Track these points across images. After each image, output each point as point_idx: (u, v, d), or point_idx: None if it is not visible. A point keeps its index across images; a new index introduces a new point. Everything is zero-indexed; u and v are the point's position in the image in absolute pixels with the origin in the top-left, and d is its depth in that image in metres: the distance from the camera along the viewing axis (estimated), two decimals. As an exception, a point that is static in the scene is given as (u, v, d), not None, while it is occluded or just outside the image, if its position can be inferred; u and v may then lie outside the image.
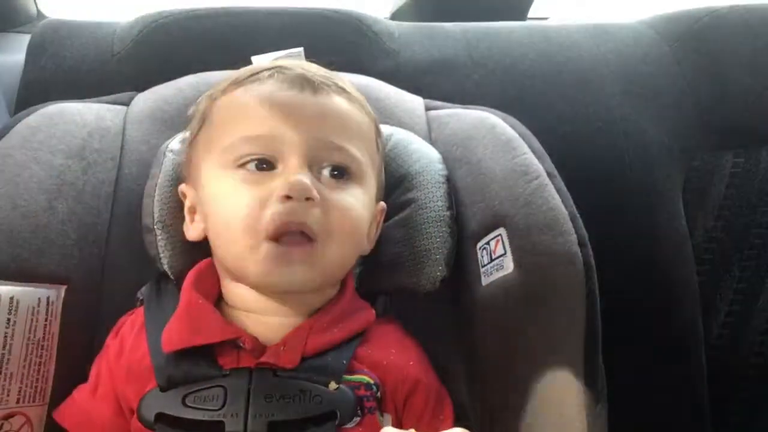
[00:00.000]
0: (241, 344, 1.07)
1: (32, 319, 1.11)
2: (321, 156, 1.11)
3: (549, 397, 1.06)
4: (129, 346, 1.13)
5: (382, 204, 1.24)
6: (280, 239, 1.06)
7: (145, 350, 1.10)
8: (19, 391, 1.11)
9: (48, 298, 1.14)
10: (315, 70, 1.19)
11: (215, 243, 1.14)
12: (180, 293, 1.15)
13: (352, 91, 1.21)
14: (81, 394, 1.14)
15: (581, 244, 1.13)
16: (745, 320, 1.54)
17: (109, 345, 1.16)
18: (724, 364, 1.54)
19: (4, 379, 1.09)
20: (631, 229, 1.52)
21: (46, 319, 1.13)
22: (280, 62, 1.22)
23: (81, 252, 1.20)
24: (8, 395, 1.09)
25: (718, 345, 1.55)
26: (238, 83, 1.18)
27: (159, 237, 1.19)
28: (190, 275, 1.16)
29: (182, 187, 1.20)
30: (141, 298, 1.21)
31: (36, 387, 1.13)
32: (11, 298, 1.09)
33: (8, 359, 1.09)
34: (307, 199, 1.05)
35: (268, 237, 1.06)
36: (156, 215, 1.19)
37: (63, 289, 1.16)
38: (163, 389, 1.04)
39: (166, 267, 1.19)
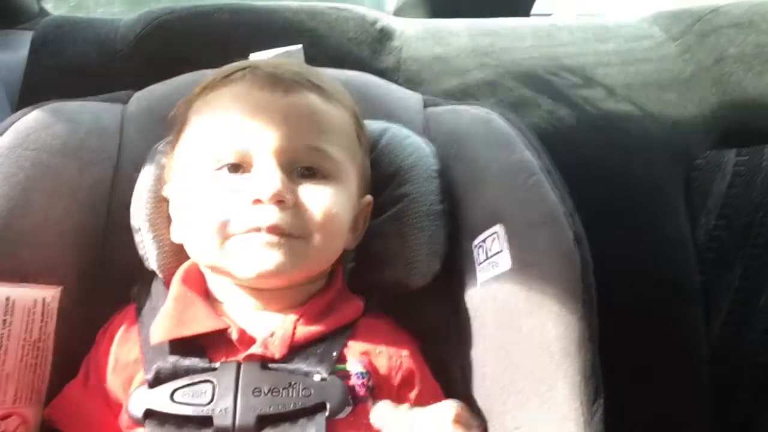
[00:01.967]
0: (229, 336, 1.08)
1: (28, 320, 1.12)
2: (295, 157, 1.11)
3: (546, 394, 1.06)
4: (118, 339, 1.14)
5: (369, 197, 1.24)
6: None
7: (133, 343, 1.12)
8: (15, 392, 1.11)
9: (44, 299, 1.14)
10: (288, 67, 1.19)
11: (188, 245, 1.16)
12: (166, 289, 1.16)
13: (328, 87, 1.20)
14: (71, 389, 1.15)
15: (578, 240, 1.13)
16: (747, 319, 1.54)
17: (99, 341, 1.17)
18: (726, 363, 1.54)
19: (0, 380, 1.09)
20: (633, 227, 1.52)
21: (42, 320, 1.14)
22: (252, 62, 1.23)
23: (78, 252, 1.20)
24: (4, 396, 1.10)
25: (720, 344, 1.55)
26: (212, 86, 1.18)
27: (146, 236, 1.20)
28: (180, 271, 1.17)
29: (165, 189, 1.21)
30: (133, 296, 1.21)
31: (32, 387, 1.13)
32: (7, 299, 1.09)
33: (4, 360, 1.09)
34: (280, 202, 1.06)
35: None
36: (143, 215, 1.20)
37: (59, 289, 1.16)
38: (151, 385, 1.05)
39: (154, 266, 1.20)
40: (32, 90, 1.56)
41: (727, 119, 1.55)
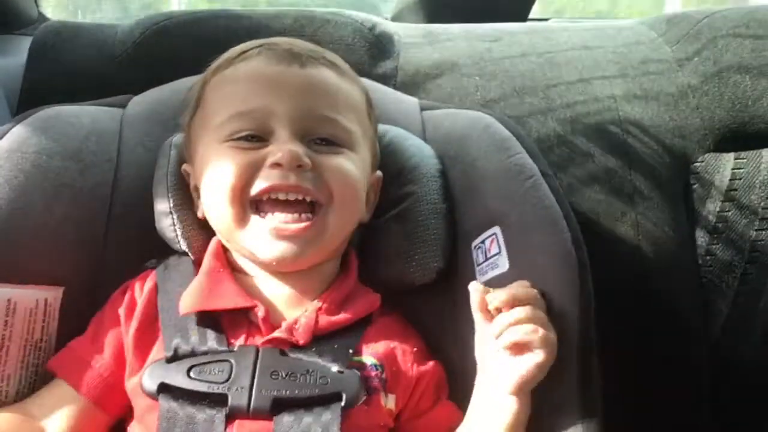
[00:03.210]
0: (253, 317, 1.10)
1: (30, 321, 1.12)
2: (311, 127, 1.14)
3: (543, 396, 1.06)
4: (144, 300, 1.15)
5: (379, 173, 1.27)
6: (273, 211, 1.11)
7: (157, 311, 1.14)
8: (17, 393, 1.12)
9: (46, 300, 1.14)
10: (304, 44, 1.23)
11: (210, 218, 1.18)
12: (196, 268, 1.18)
13: (342, 64, 1.24)
14: (78, 344, 1.16)
15: (575, 242, 1.14)
16: (746, 322, 1.53)
17: (117, 298, 1.18)
18: (726, 365, 1.53)
19: (2, 381, 1.10)
20: (633, 229, 1.52)
21: (43, 321, 1.14)
22: (268, 39, 1.25)
23: (79, 253, 1.21)
24: (6, 396, 1.10)
25: (720, 346, 1.55)
26: (228, 62, 1.21)
27: (176, 219, 1.21)
28: (211, 246, 1.20)
29: (185, 166, 1.23)
30: (149, 266, 1.23)
31: (34, 388, 1.14)
32: (9, 300, 1.10)
33: (6, 361, 1.10)
34: (299, 166, 1.09)
35: (255, 204, 1.11)
36: (171, 199, 1.21)
37: (61, 290, 1.16)
38: (169, 360, 1.06)
39: (184, 247, 1.22)
40: (31, 94, 1.56)
41: (724, 123, 1.55)
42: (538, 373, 1.02)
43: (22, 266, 1.13)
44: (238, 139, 1.13)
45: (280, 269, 1.15)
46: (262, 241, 1.11)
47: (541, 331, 1.01)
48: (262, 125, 1.12)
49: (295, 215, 1.10)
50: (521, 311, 1.02)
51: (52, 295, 1.15)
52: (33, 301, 1.13)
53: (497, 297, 1.04)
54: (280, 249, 1.10)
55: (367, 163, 1.21)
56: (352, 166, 1.15)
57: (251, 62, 1.18)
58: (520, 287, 1.05)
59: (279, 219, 1.10)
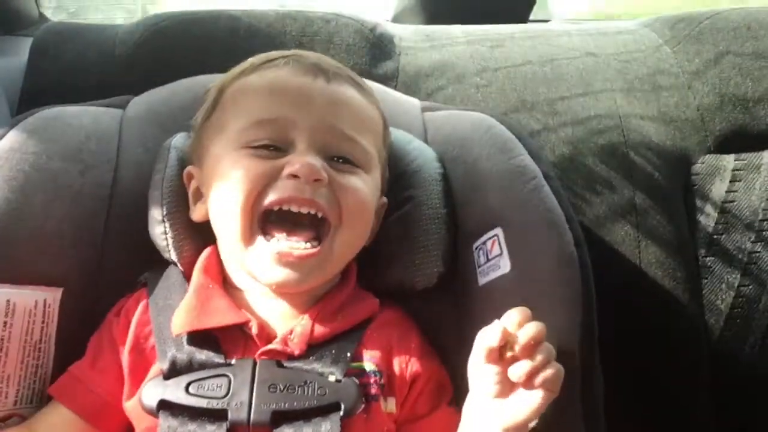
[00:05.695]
0: (248, 331, 1.09)
1: (29, 322, 1.12)
2: (331, 144, 1.13)
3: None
4: (137, 320, 1.14)
5: (384, 199, 1.25)
6: (279, 231, 1.09)
7: (151, 330, 1.12)
8: (17, 393, 1.11)
9: (45, 301, 1.14)
10: (329, 60, 1.22)
11: (216, 225, 1.16)
12: (186, 280, 1.17)
13: (365, 85, 1.24)
14: (78, 368, 1.14)
15: (577, 244, 1.14)
16: (746, 322, 1.53)
17: (112, 320, 1.17)
18: (726, 366, 1.53)
19: (2, 382, 1.09)
20: (633, 229, 1.52)
21: (43, 321, 1.14)
22: (295, 51, 1.24)
23: (78, 254, 1.20)
24: (6, 397, 1.10)
25: (720, 347, 1.55)
26: (252, 68, 1.19)
27: (168, 226, 1.19)
28: (200, 260, 1.18)
29: (189, 168, 1.22)
30: (143, 281, 1.21)
31: (33, 389, 1.13)
32: (8, 301, 1.09)
33: (5, 362, 1.09)
34: (315, 180, 1.08)
35: (263, 221, 1.09)
36: (165, 206, 1.20)
37: (60, 291, 1.16)
38: (166, 376, 1.05)
39: (174, 256, 1.20)
40: (32, 95, 1.56)
41: (725, 124, 1.55)
42: (536, 415, 0.97)
43: (20, 267, 1.13)
44: (257, 147, 1.11)
45: (280, 291, 1.14)
46: (265, 264, 1.09)
47: (554, 373, 0.96)
48: (282, 135, 1.11)
49: (301, 242, 1.09)
50: (542, 357, 0.96)
51: (51, 295, 1.15)
52: (32, 301, 1.12)
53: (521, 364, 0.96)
54: (283, 275, 1.09)
55: (377, 186, 1.20)
56: (366, 189, 1.15)
57: (277, 71, 1.17)
58: (533, 326, 0.97)
59: (284, 245, 1.08)
